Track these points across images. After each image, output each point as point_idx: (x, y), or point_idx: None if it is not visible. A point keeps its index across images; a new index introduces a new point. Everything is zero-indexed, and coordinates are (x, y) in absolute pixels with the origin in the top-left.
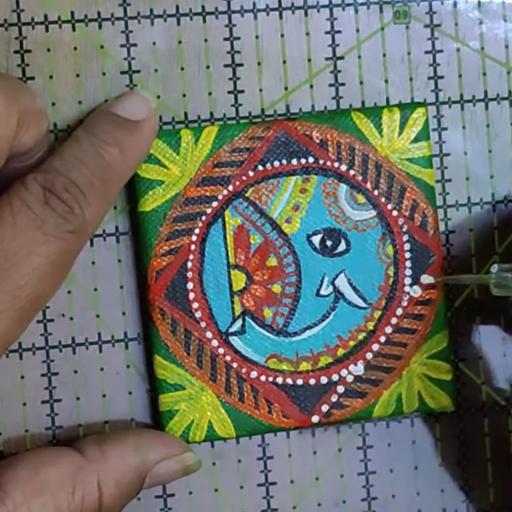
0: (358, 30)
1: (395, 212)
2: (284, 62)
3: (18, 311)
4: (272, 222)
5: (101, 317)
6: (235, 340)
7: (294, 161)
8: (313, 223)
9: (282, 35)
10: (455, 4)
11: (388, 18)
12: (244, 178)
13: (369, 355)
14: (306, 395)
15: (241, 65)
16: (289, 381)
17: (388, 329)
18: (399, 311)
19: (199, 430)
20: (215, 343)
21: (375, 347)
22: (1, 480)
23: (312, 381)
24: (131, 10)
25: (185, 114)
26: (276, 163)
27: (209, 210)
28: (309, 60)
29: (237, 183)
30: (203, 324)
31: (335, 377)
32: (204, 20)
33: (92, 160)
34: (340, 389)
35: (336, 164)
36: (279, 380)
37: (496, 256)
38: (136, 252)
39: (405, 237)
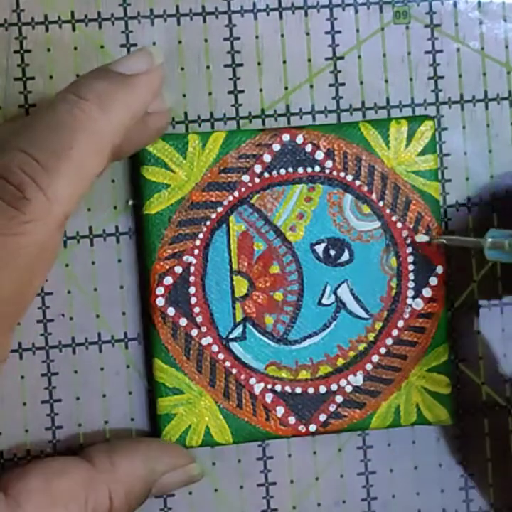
0: (358, 30)
1: (399, 224)
2: (284, 62)
3: None
4: (276, 229)
5: (101, 317)
6: (235, 347)
7: (300, 170)
8: (318, 232)
9: (282, 35)
10: (455, 4)
11: (388, 18)
12: (250, 184)
13: (368, 366)
14: (305, 403)
15: (241, 65)
16: (288, 389)
17: (389, 341)
18: (400, 323)
19: (196, 435)
20: (215, 348)
21: (375, 358)
22: (13, 491)
23: (311, 390)
24: (131, 10)
25: (186, 114)
26: (283, 171)
27: (214, 215)
28: (309, 60)
29: (243, 190)
30: (203, 329)
31: (334, 387)
32: (204, 20)
33: (61, 123)
34: (339, 399)
35: (342, 174)
36: (278, 387)
37: None
38: (139, 254)
39: (409, 250)
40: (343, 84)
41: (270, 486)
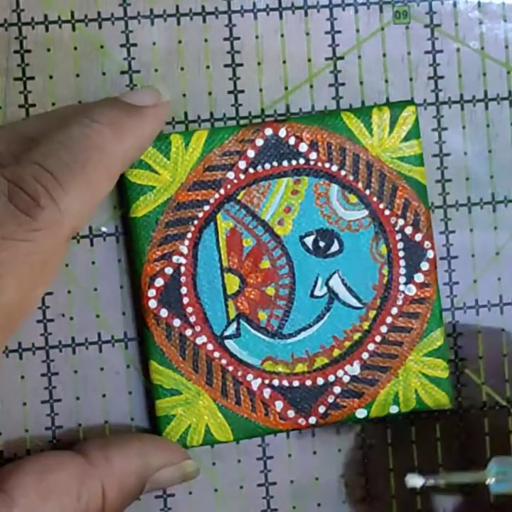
0: (358, 30)
1: (387, 212)
2: (284, 62)
3: None
4: (264, 224)
5: (101, 317)
6: (230, 344)
7: (285, 163)
8: (306, 224)
9: (282, 35)
10: (455, 4)
11: (388, 18)
12: (235, 181)
13: (365, 355)
14: (303, 396)
15: (241, 65)
16: (285, 383)
17: (383, 328)
18: (394, 310)
19: (196, 435)
20: (210, 346)
21: (371, 346)
22: (7, 486)
23: (308, 382)
24: (131, 10)
25: (186, 114)
26: (267, 166)
27: (201, 214)
28: (309, 60)
29: (229, 187)
30: (197, 328)
31: (331, 378)
32: (204, 20)
33: (76, 142)
34: (337, 389)
35: (327, 165)
36: (275, 382)
37: (496, 256)
38: (129, 257)
39: (398, 236)
40: (343, 84)
41: (270, 486)
